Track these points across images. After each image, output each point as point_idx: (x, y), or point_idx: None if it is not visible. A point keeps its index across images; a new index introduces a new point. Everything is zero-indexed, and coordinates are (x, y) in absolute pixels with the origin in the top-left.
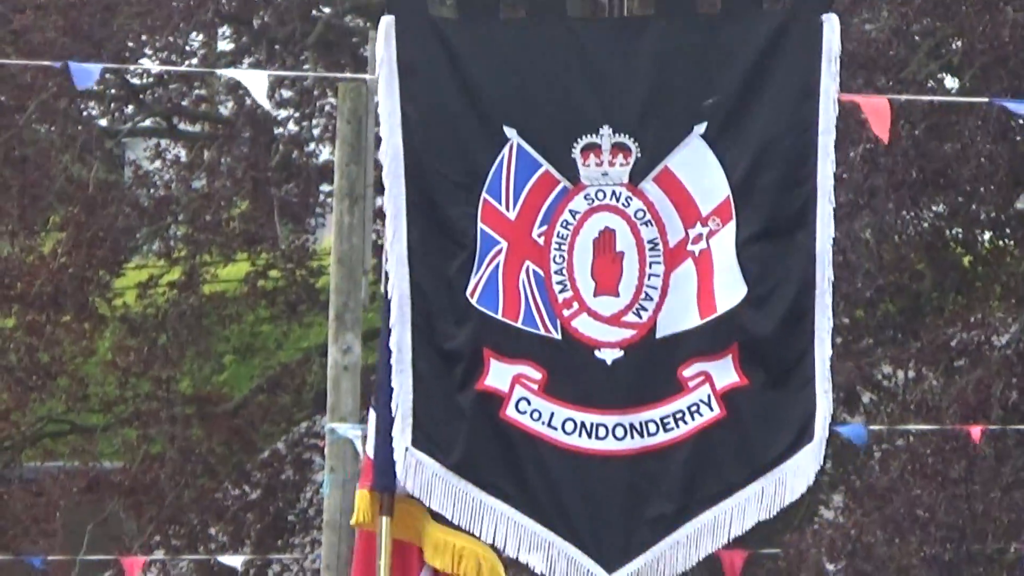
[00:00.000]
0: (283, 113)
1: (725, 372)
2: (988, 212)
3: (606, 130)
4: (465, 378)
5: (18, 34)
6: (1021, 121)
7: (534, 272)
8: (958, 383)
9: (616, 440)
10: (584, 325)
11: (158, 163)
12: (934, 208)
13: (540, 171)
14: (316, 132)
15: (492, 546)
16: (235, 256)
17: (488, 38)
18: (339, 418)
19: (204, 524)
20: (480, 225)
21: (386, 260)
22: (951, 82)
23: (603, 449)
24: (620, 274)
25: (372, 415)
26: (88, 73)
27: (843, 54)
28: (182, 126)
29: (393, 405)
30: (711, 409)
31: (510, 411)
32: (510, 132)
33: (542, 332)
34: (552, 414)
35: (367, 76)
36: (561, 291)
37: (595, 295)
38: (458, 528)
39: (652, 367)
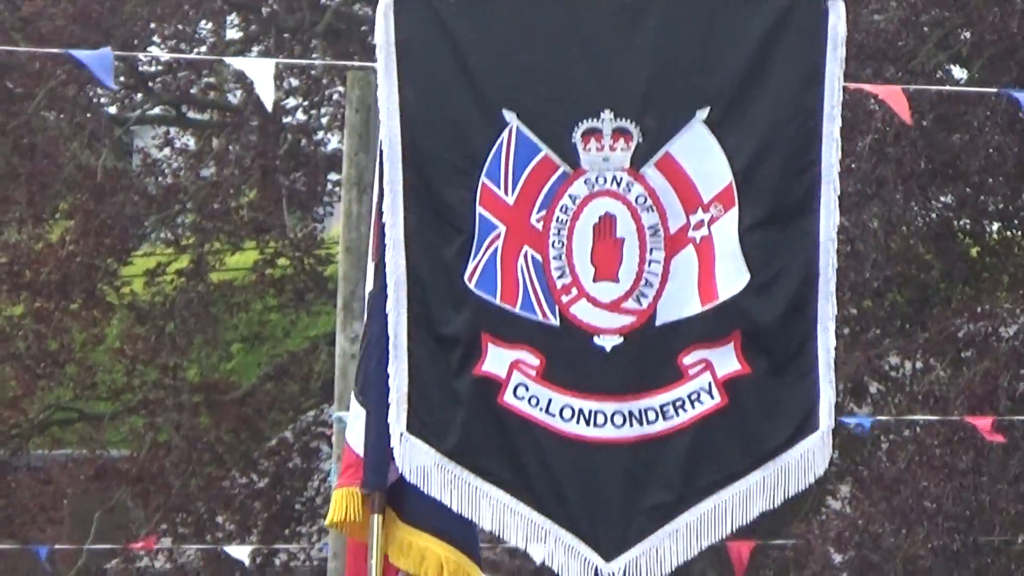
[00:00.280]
0: (292, 102)
1: (726, 360)
2: (996, 203)
3: (607, 114)
4: (462, 363)
5: (27, 21)
6: None
7: (532, 257)
8: (965, 374)
9: (615, 427)
10: (583, 311)
11: (166, 151)
12: (942, 199)
13: (540, 155)
14: (324, 121)
15: (489, 538)
16: (243, 244)
17: (488, 20)
18: (347, 407)
19: (211, 512)
20: (478, 209)
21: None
22: (960, 73)
23: (601, 436)
24: (620, 260)
25: (356, 408)
26: (107, 66)
27: (852, 44)
28: (191, 114)
29: (390, 390)
30: (712, 397)
31: (508, 397)
32: (509, 116)
33: (540, 318)
34: (550, 400)
35: (376, 64)
36: (560, 276)
37: (594, 281)
38: (426, 530)
39: (652, 354)
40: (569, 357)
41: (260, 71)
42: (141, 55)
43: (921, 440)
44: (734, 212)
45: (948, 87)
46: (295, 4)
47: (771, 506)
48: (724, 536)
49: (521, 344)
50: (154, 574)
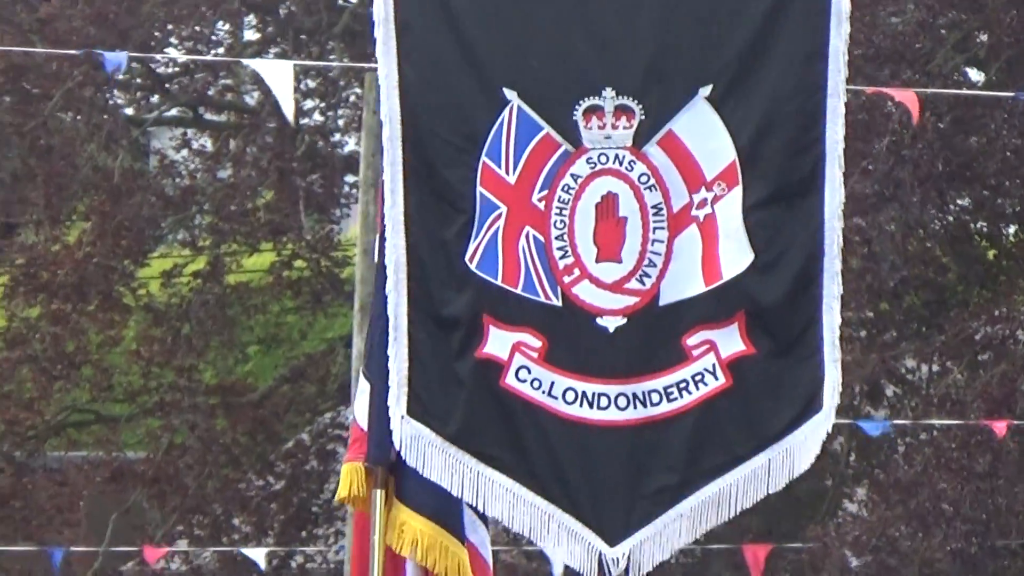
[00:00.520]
0: (309, 103)
1: (731, 340)
2: (1013, 206)
3: (609, 92)
4: (463, 346)
5: (44, 23)
6: None
7: (534, 238)
8: (982, 377)
9: (618, 410)
10: (585, 292)
11: (183, 152)
12: (959, 201)
13: (541, 134)
14: (342, 122)
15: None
16: (260, 246)
17: None
18: None
19: (228, 514)
20: (479, 189)
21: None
22: (977, 75)
23: (605, 419)
24: (623, 240)
25: (362, 383)
26: (117, 59)
27: (869, 47)
28: (207, 116)
29: (391, 373)
30: (716, 378)
31: (510, 379)
32: (510, 94)
33: (542, 299)
34: (552, 383)
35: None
36: (562, 257)
37: (597, 261)
38: (408, 505)
39: (655, 335)
40: (571, 339)
41: (277, 73)
42: (158, 56)
43: (938, 443)
44: (738, 191)
45: (965, 91)
46: (313, 6)
47: (776, 489)
48: (727, 519)
49: (523, 326)
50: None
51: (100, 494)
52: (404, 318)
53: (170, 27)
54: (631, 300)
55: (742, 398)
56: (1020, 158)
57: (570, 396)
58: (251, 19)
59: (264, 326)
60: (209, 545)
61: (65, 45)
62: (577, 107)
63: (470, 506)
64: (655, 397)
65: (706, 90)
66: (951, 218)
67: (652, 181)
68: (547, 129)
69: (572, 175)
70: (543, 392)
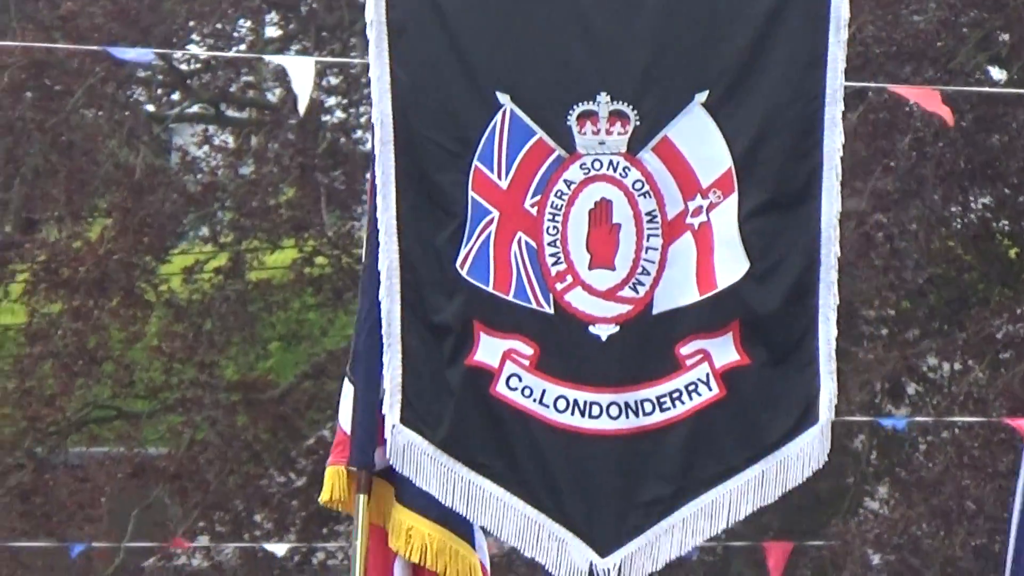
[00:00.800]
0: (331, 100)
1: (725, 350)
2: None
3: (603, 97)
4: (454, 353)
5: (66, 19)
6: None
7: (526, 243)
8: (1004, 375)
9: (610, 419)
10: (578, 299)
11: (205, 149)
12: (981, 200)
13: (534, 139)
14: (363, 119)
15: (483, 532)
16: (281, 243)
17: (483, 0)
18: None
19: (249, 511)
20: (471, 194)
21: None
22: (999, 74)
23: (597, 428)
24: (616, 247)
25: (346, 386)
26: (140, 55)
27: (891, 45)
28: (229, 112)
29: (384, 380)
30: (710, 388)
31: (500, 387)
32: (503, 98)
33: (534, 306)
34: (544, 391)
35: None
36: (554, 263)
37: (590, 268)
38: (414, 510)
39: (648, 344)
40: (563, 347)
41: (299, 69)
42: (179, 53)
43: (960, 441)
44: (734, 198)
45: (986, 88)
46: (334, 3)
47: (770, 500)
48: (719, 532)
49: (514, 333)
50: (192, 572)
51: (121, 490)
52: (397, 324)
53: (192, 23)
54: (624, 308)
55: (736, 409)
56: None
57: (561, 404)
58: (272, 16)
59: (285, 323)
60: (230, 541)
61: (87, 41)
62: (571, 112)
63: None
64: (648, 406)
65: (702, 96)
66: (973, 216)
67: (646, 188)
68: (540, 134)
69: (565, 181)
70: (534, 400)
